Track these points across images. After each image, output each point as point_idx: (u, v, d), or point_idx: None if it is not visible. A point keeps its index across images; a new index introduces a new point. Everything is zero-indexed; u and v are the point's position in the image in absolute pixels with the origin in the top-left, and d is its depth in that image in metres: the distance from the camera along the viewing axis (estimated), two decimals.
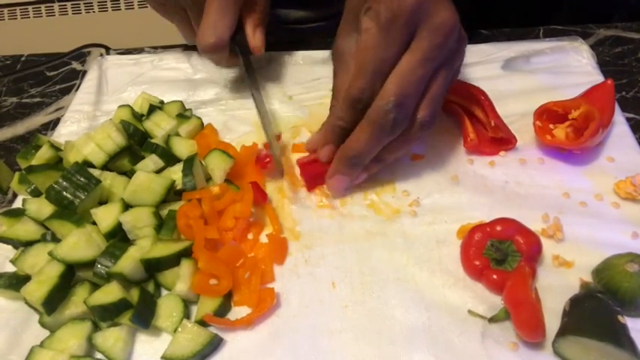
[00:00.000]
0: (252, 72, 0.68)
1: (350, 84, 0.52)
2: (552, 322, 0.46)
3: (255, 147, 0.64)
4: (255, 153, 0.64)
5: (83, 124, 0.71)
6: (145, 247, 0.52)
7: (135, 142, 0.62)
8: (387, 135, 0.52)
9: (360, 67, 0.51)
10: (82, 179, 0.54)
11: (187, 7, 0.66)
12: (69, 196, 0.54)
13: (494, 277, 0.49)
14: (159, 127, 0.65)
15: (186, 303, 0.51)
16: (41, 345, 0.48)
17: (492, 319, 0.47)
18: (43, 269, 0.50)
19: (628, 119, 0.63)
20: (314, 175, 0.59)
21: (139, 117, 0.66)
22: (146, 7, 0.70)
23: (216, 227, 0.54)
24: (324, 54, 0.76)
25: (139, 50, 0.84)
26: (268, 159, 0.60)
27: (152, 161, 0.59)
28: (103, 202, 0.56)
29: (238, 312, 0.51)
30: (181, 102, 0.70)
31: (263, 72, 0.74)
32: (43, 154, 0.61)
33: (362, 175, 0.58)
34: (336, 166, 0.56)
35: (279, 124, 0.68)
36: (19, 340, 0.50)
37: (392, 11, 0.48)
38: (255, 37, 0.66)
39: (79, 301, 0.50)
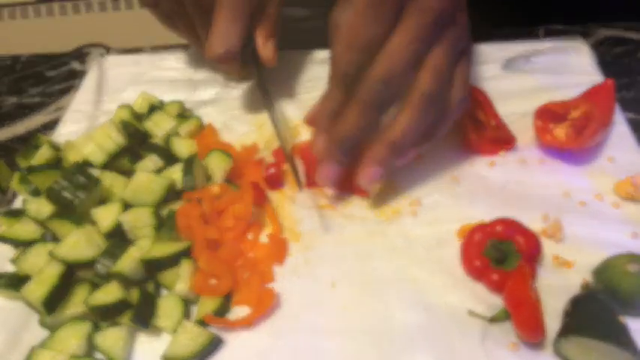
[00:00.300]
0: (265, 87, 0.64)
1: (338, 59, 0.52)
2: (552, 322, 0.46)
3: (255, 147, 0.64)
4: (255, 152, 0.64)
5: (83, 124, 0.71)
6: (144, 247, 0.52)
7: (135, 142, 0.62)
8: (375, 112, 0.51)
9: (348, 43, 0.51)
10: (82, 179, 0.54)
11: (194, 16, 0.63)
12: (69, 196, 0.54)
13: (494, 277, 0.49)
14: (159, 127, 0.65)
15: (186, 303, 0.51)
16: (41, 345, 0.48)
17: (492, 320, 0.47)
18: (43, 269, 0.50)
19: (628, 119, 0.63)
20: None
21: (139, 117, 0.66)
22: None
23: (216, 227, 0.54)
24: (324, 54, 0.76)
25: (138, 50, 0.84)
26: (274, 169, 0.59)
27: (152, 161, 0.59)
28: (103, 202, 0.56)
29: (238, 312, 0.51)
30: (181, 102, 0.70)
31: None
32: (43, 154, 0.61)
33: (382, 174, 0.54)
34: (326, 151, 0.54)
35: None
36: (19, 340, 0.50)
37: None
38: (266, 49, 0.64)
39: (79, 301, 0.50)
